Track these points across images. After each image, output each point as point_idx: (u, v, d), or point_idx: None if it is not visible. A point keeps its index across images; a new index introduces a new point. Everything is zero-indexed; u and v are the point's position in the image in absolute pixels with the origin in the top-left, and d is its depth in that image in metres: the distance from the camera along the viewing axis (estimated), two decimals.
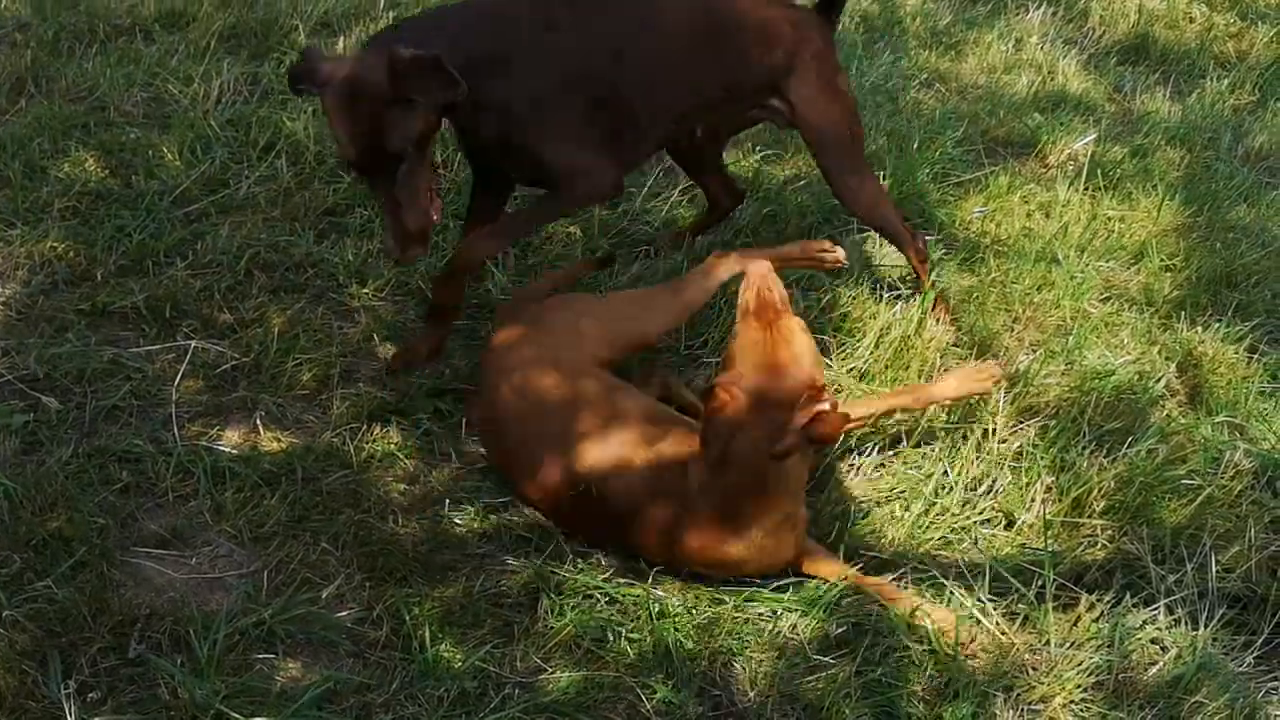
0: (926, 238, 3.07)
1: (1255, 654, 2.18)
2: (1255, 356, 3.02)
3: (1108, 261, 3.35)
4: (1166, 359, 2.98)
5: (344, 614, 2.11)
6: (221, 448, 2.40)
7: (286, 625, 2.05)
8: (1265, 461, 2.60)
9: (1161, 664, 2.15)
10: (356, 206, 3.14)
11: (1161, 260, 3.39)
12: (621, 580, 2.24)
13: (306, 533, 2.24)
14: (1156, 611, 2.23)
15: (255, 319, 2.75)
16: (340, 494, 2.33)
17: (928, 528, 2.43)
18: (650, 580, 2.22)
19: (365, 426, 2.51)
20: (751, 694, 2.08)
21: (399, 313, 2.86)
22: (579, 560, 2.26)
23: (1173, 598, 2.25)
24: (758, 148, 3.61)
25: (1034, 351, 2.94)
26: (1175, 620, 2.23)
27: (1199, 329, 3.10)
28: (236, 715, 1.84)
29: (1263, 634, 2.22)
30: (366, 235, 3.05)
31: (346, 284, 2.91)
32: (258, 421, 2.48)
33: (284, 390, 2.58)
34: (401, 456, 2.46)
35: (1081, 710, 2.08)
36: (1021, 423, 2.62)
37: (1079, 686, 2.09)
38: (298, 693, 1.93)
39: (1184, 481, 2.49)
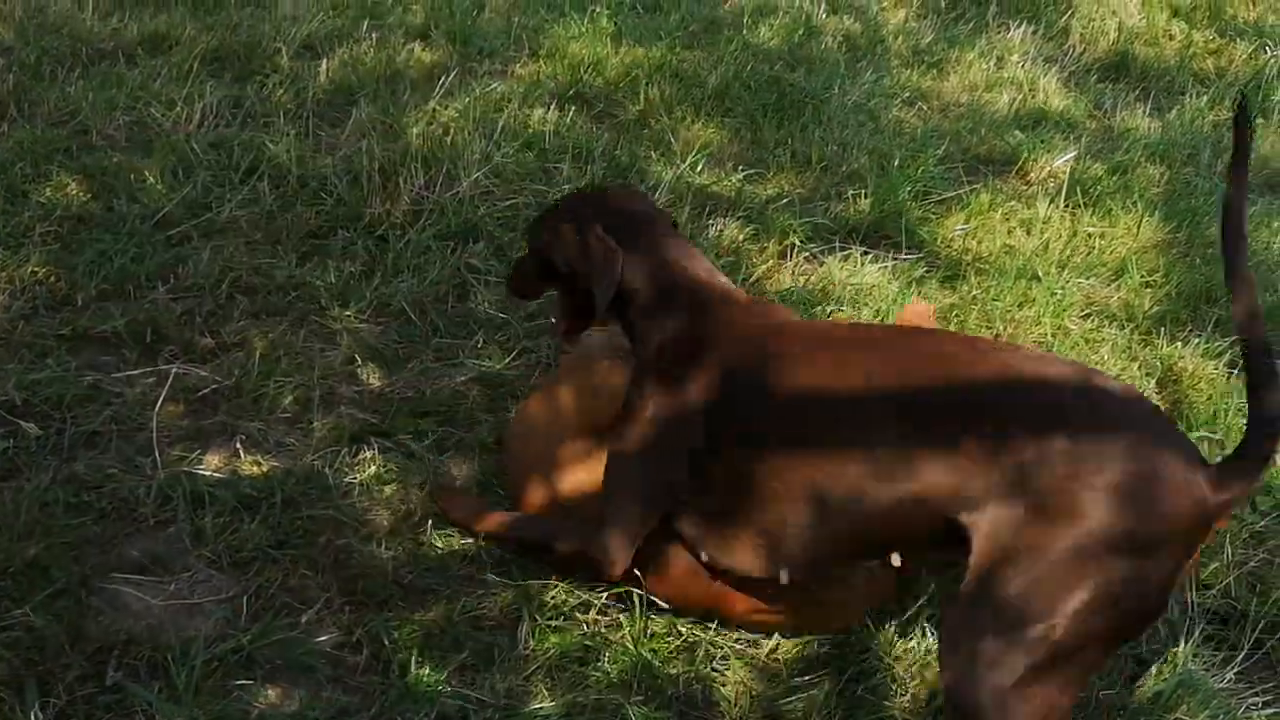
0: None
1: (1235, 670, 2.18)
2: (1235, 372, 3.03)
3: (1088, 278, 3.36)
4: (1146, 374, 3.00)
5: (323, 639, 2.10)
6: (201, 472, 2.39)
7: (265, 651, 2.04)
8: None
9: (1142, 681, 2.15)
10: (339, 229, 3.15)
11: (1141, 276, 3.40)
12: (603, 602, 2.24)
13: (286, 557, 2.23)
14: None
15: (236, 343, 2.75)
16: (320, 518, 2.32)
17: None
18: (632, 602, 2.21)
19: (346, 449, 2.50)
20: (733, 714, 2.08)
21: (381, 335, 2.87)
22: (561, 581, 2.26)
23: None
24: (739, 167, 3.63)
25: None
26: (1155, 637, 2.24)
27: (1179, 344, 3.11)
28: None
29: (1243, 650, 2.22)
30: (349, 257, 3.06)
31: (329, 307, 2.90)
32: (238, 445, 2.48)
33: (265, 414, 2.58)
34: (383, 479, 2.45)
35: None
36: None
37: None
38: (276, 719, 1.92)
39: None
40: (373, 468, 2.47)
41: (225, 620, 2.10)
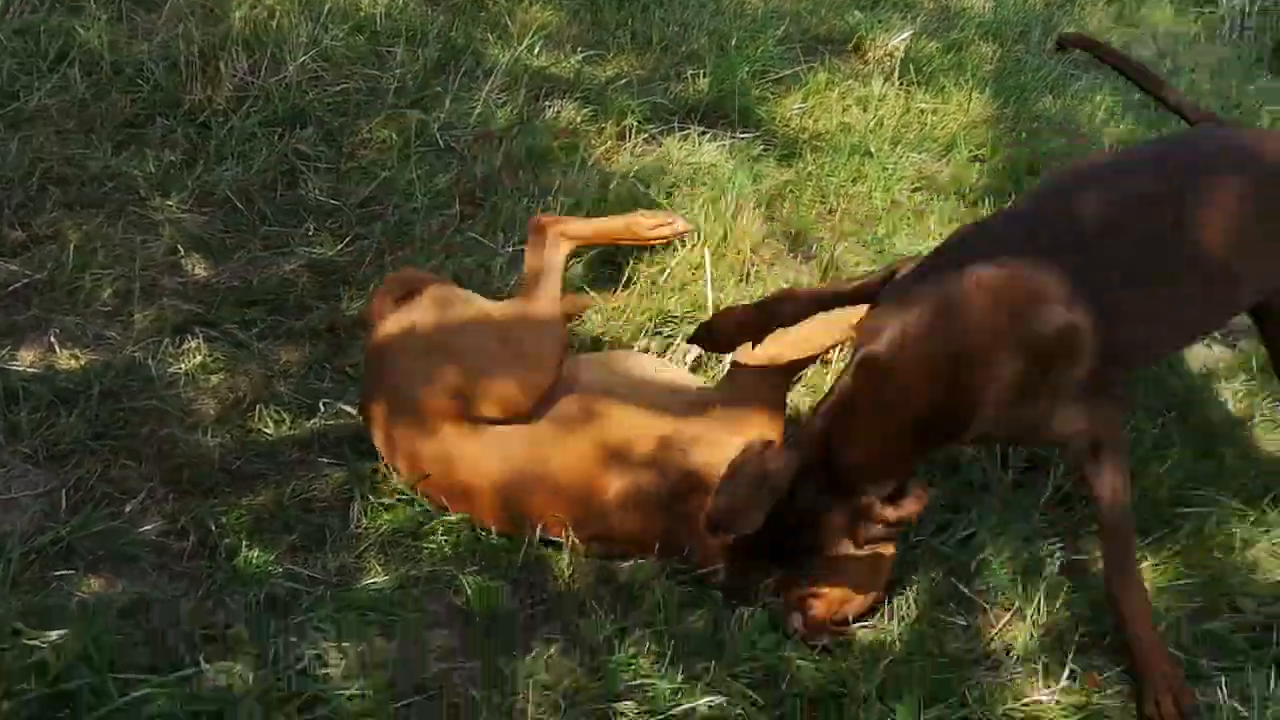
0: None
1: (1039, 512, 2.32)
2: None
3: (919, 153, 3.45)
4: None
5: (147, 528, 2.06)
6: (14, 368, 2.31)
7: (86, 542, 2.00)
8: None
9: (953, 528, 2.26)
10: (157, 116, 3.02)
11: (970, 151, 3.50)
12: None
13: (106, 449, 2.18)
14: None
15: (49, 235, 2.64)
16: (142, 409, 2.27)
17: None
18: None
19: (170, 340, 2.44)
20: (563, 581, 2.13)
21: (206, 224, 2.78)
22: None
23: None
24: (578, 48, 3.58)
25: (847, 241, 3.02)
26: (968, 484, 2.36)
27: None
28: (31, 632, 1.80)
29: (1045, 494, 2.36)
30: (168, 146, 2.94)
31: (148, 197, 2.80)
32: (52, 340, 2.39)
33: (81, 307, 2.49)
34: (209, 368, 2.40)
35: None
36: None
37: None
38: (100, 606, 1.89)
39: None
40: (198, 357, 2.41)
41: (43, 514, 2.05)
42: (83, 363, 2.36)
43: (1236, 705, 2.00)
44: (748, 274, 2.85)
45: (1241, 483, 2.47)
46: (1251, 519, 2.37)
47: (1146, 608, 2.00)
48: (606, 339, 2.62)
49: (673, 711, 1.89)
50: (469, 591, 2.03)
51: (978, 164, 3.48)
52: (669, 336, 2.67)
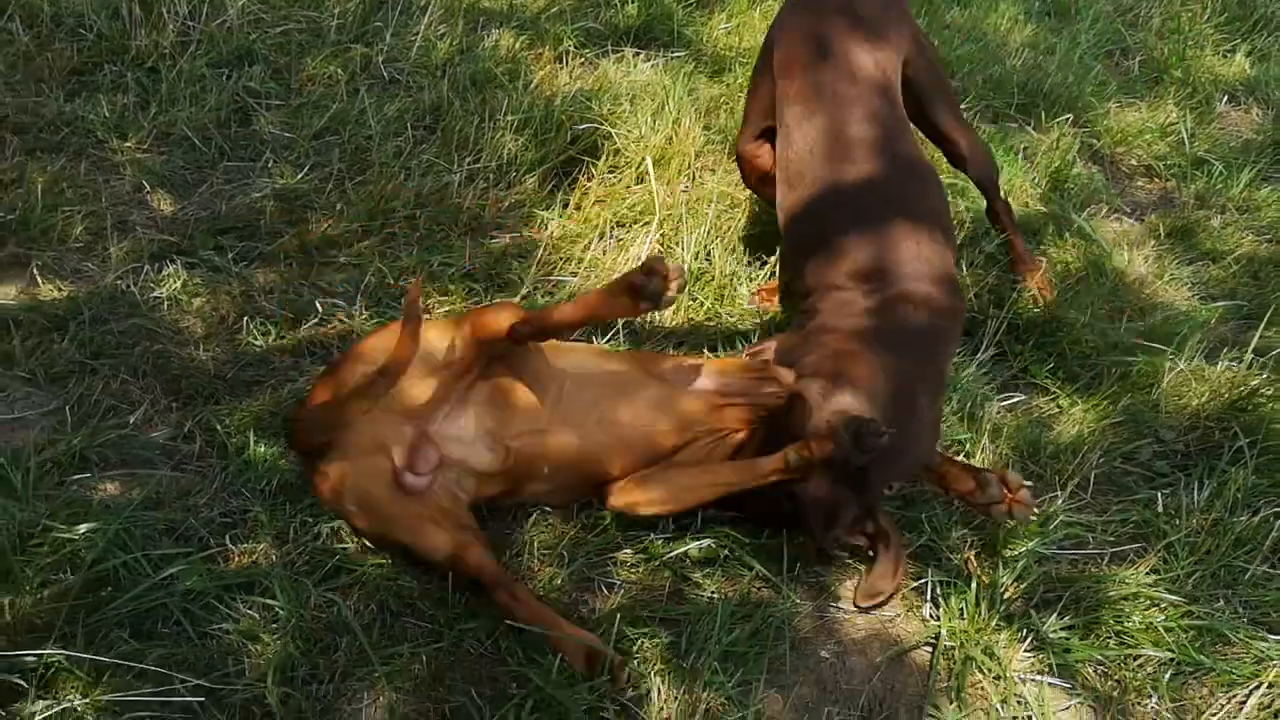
0: None
1: (979, 364, 2.53)
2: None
3: None
4: None
5: (156, 434, 2.17)
6: (1, 302, 2.38)
7: (98, 450, 2.10)
8: (979, 215, 2.96)
9: None
10: (104, 64, 3.07)
11: None
12: None
13: (105, 366, 2.27)
14: None
15: (14, 179, 2.69)
16: (132, 329, 2.36)
17: None
18: None
19: (149, 267, 2.53)
20: None
21: (166, 162, 2.85)
22: None
23: None
24: None
25: None
26: None
27: None
28: (62, 527, 1.90)
29: (986, 348, 2.57)
30: (120, 90, 3.00)
31: (106, 139, 2.86)
32: (34, 273, 2.46)
33: (56, 244, 2.56)
34: (191, 291, 2.49)
35: None
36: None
37: None
38: (121, 504, 2.00)
39: None
40: (178, 282, 2.50)
41: (51, 428, 2.14)
42: (67, 293, 2.43)
43: (1170, 516, 2.23)
44: (692, 177, 3.01)
45: (1156, 330, 2.71)
46: (1168, 363, 2.61)
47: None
48: (566, 244, 2.76)
49: (667, 556, 2.06)
50: None
51: None
52: (622, 240, 2.82)
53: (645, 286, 1.87)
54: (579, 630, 1.86)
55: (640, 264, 1.90)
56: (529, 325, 1.97)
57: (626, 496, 2.05)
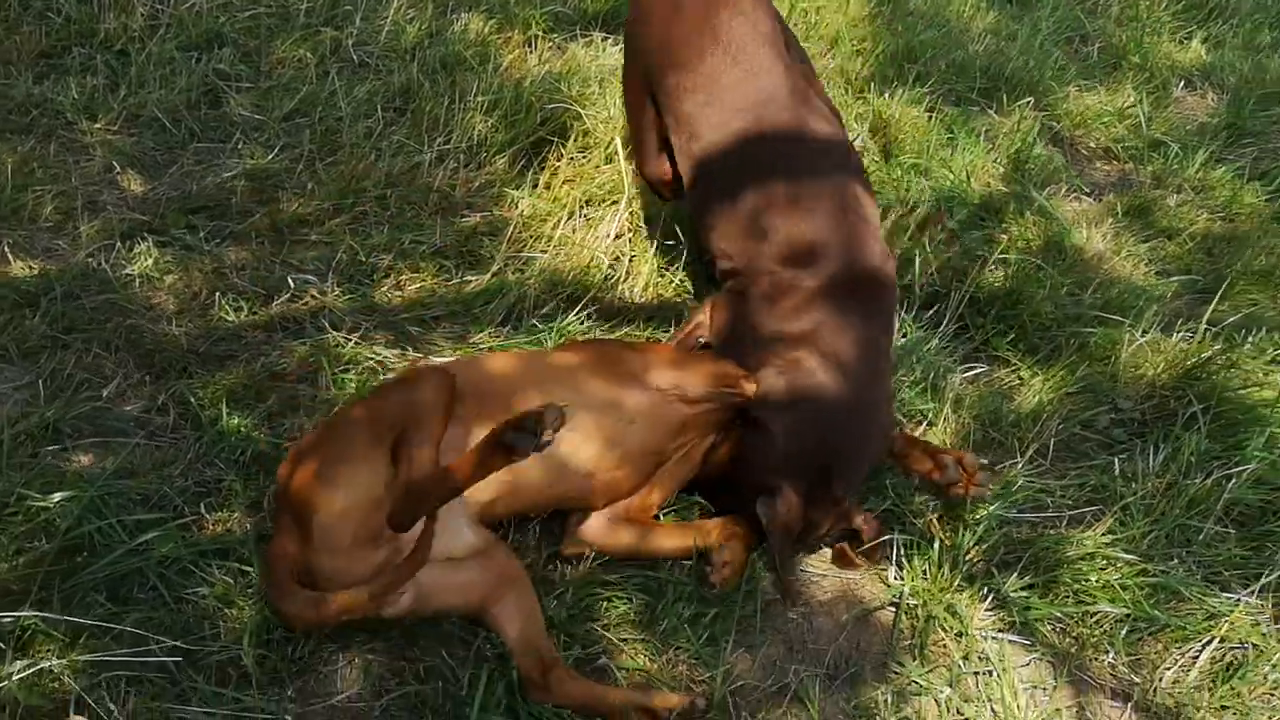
0: None
1: (940, 337, 2.58)
2: (933, 115, 3.44)
3: (806, 45, 3.66)
4: (861, 123, 3.36)
5: (129, 408, 2.19)
6: None
7: (72, 422, 2.12)
8: (941, 194, 3.02)
9: None
10: (73, 47, 3.08)
11: (853, 45, 3.75)
12: (394, 352, 2.41)
13: (77, 341, 2.29)
14: None
15: None
16: (104, 305, 2.38)
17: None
18: (421, 346, 2.40)
19: (120, 245, 2.54)
20: None
21: (136, 144, 2.86)
22: (353, 335, 2.41)
23: None
24: None
25: None
26: None
27: (886, 97, 3.48)
28: (36, 496, 1.92)
29: (948, 321, 2.63)
30: (89, 73, 3.01)
31: (76, 121, 2.87)
32: (5, 251, 2.47)
33: (27, 223, 2.57)
34: (163, 268, 2.51)
35: None
36: None
37: None
38: (95, 474, 2.01)
39: None
40: (150, 260, 2.52)
41: (25, 402, 2.15)
42: (38, 270, 2.44)
43: (1126, 480, 2.30)
44: None
45: (1114, 304, 2.78)
46: (1125, 335, 2.68)
47: None
48: (536, 222, 2.79)
49: None
50: None
51: (859, 56, 3.72)
52: (591, 219, 2.85)
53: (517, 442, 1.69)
54: (628, 693, 1.80)
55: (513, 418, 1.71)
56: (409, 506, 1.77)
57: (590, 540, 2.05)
